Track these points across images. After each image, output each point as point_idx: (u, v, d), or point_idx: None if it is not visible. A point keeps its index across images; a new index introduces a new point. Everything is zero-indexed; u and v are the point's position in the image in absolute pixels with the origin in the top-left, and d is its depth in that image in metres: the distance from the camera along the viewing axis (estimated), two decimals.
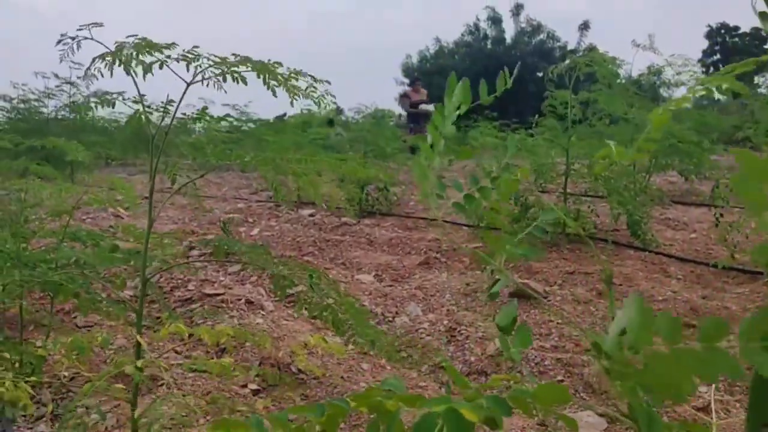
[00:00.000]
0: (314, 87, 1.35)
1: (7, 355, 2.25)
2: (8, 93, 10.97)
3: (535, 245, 0.71)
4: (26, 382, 1.83)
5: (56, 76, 9.78)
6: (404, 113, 15.15)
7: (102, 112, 13.20)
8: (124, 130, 14.00)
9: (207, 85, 1.41)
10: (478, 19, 32.87)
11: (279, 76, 1.29)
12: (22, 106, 11.16)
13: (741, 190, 0.35)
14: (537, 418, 2.23)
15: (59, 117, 11.93)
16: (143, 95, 1.40)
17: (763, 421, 0.43)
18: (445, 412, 0.49)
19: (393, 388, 0.66)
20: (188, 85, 1.35)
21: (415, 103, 13.28)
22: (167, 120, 1.43)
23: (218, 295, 3.47)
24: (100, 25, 1.36)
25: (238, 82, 1.29)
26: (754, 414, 0.43)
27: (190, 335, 2.93)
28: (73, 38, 1.36)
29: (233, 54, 1.39)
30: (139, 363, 1.34)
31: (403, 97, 13.53)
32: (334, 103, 1.44)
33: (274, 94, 1.28)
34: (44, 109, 11.14)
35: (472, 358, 2.79)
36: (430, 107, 12.63)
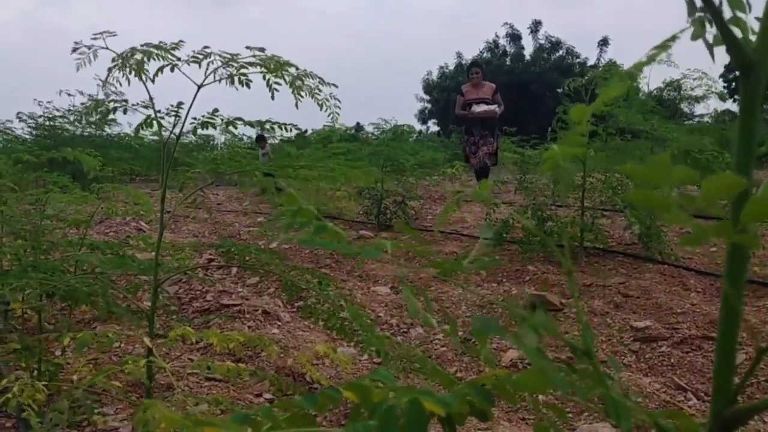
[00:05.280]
0: (319, 89, 1.37)
1: (23, 364, 2.29)
2: (34, 111, 11.21)
3: (491, 256, 0.73)
4: (43, 386, 1.86)
5: (81, 93, 9.96)
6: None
7: (128, 128, 13.44)
8: (149, 146, 14.26)
9: (225, 83, 1.43)
10: (497, 36, 33.02)
11: (288, 75, 1.31)
12: (48, 123, 11.40)
13: (642, 200, 0.37)
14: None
15: (85, 134, 12.18)
16: (152, 98, 1.43)
17: (725, 403, 0.43)
18: (409, 402, 0.50)
19: (383, 379, 0.67)
20: (199, 87, 1.38)
21: (470, 102, 8.92)
22: (180, 125, 1.46)
23: (235, 305, 3.50)
24: (114, 34, 1.39)
25: (242, 85, 1.32)
26: (717, 397, 0.44)
27: (207, 345, 2.97)
28: (89, 47, 1.40)
29: (248, 47, 1.40)
30: (142, 363, 1.37)
31: (459, 96, 9.22)
32: (338, 107, 1.46)
33: (273, 97, 1.30)
34: (69, 126, 11.36)
35: (487, 369, 2.77)
36: (488, 108, 8.70)
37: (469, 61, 9.50)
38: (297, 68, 1.34)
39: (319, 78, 1.37)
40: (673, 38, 0.47)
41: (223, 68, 1.35)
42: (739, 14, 0.47)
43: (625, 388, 2.52)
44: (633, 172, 0.37)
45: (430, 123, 34.70)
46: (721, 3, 0.50)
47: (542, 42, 32.11)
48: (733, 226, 0.36)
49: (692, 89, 8.61)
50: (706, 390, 2.53)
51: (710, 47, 0.58)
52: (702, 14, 0.58)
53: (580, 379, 0.56)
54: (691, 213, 0.38)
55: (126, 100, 1.48)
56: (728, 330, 0.44)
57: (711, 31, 0.55)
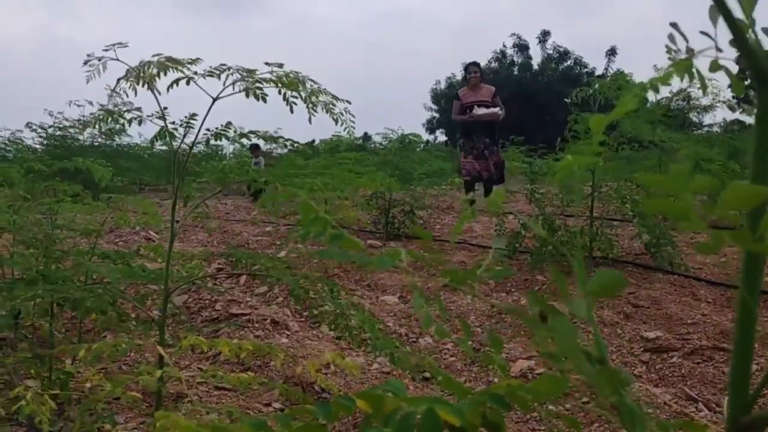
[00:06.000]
0: (333, 104, 1.38)
1: (34, 373, 2.30)
2: (45, 121, 11.29)
3: (504, 266, 0.73)
4: (54, 395, 1.87)
5: (90, 103, 10.05)
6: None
7: (137, 139, 13.53)
8: (158, 156, 14.35)
9: (238, 95, 1.44)
10: (504, 46, 33.11)
11: (304, 91, 1.32)
12: (58, 133, 11.47)
13: (661, 208, 0.37)
14: None
15: (95, 144, 12.27)
16: (165, 108, 1.45)
17: (741, 411, 0.43)
18: (425, 412, 0.51)
19: (394, 390, 0.67)
20: (214, 100, 1.39)
21: (468, 105, 8.17)
22: (192, 136, 1.48)
23: (244, 315, 3.51)
24: (125, 45, 1.41)
25: (258, 99, 1.33)
26: (733, 405, 0.44)
27: (215, 354, 2.97)
28: (99, 59, 1.42)
29: (266, 63, 1.42)
30: (157, 373, 1.37)
31: (456, 101, 8.49)
32: (353, 122, 1.47)
33: (291, 110, 1.31)
34: (80, 136, 11.43)
35: (496, 379, 2.77)
36: (490, 110, 7.95)
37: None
38: (314, 82, 1.35)
39: (332, 95, 1.38)
40: (689, 59, 0.48)
41: (240, 82, 1.36)
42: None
43: (636, 398, 2.50)
44: (652, 181, 0.37)
45: (438, 133, 34.81)
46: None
47: (550, 52, 32.18)
48: (750, 234, 0.36)
49: (698, 99, 8.61)
50: (717, 401, 2.52)
51: (702, 79, 0.58)
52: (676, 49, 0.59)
53: (596, 386, 0.56)
54: (707, 222, 0.38)
55: (140, 109, 1.49)
56: (744, 337, 0.45)
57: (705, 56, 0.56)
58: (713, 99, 8.01)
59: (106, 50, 1.42)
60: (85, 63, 1.43)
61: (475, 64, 8.55)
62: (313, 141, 14.80)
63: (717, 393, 2.59)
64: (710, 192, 0.37)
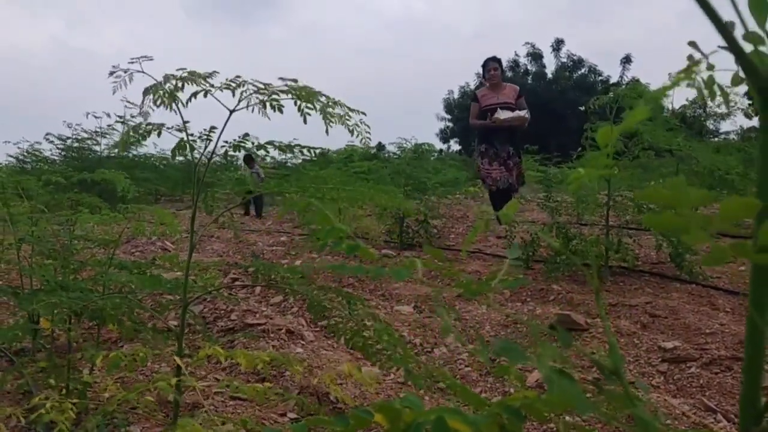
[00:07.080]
0: (349, 116, 1.39)
1: (53, 381, 2.32)
2: (63, 133, 11.45)
3: (518, 275, 0.74)
4: (73, 404, 1.89)
5: (108, 115, 10.18)
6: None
7: (153, 149, 13.67)
8: (174, 167, 14.48)
9: (253, 110, 1.46)
10: (517, 55, 33.12)
11: (318, 103, 1.33)
12: (76, 144, 11.62)
13: (660, 223, 0.38)
14: None
15: (112, 155, 12.41)
16: (186, 122, 1.46)
17: (752, 422, 0.44)
18: (434, 421, 0.51)
19: (411, 405, 0.68)
20: (231, 112, 1.41)
21: (489, 108, 6.77)
22: (210, 147, 1.49)
23: (260, 324, 3.52)
24: (150, 58, 1.43)
25: (274, 110, 1.34)
26: (744, 417, 0.44)
27: (231, 365, 2.99)
28: (125, 71, 1.44)
29: (281, 78, 1.44)
30: (173, 381, 1.38)
31: (473, 103, 7.07)
32: (368, 132, 1.47)
33: (305, 121, 1.33)
34: (97, 148, 11.58)
35: (511, 389, 2.76)
36: (516, 114, 6.64)
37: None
38: (327, 97, 1.37)
39: (348, 107, 1.39)
40: (697, 63, 0.48)
41: (256, 95, 1.37)
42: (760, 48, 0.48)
43: (654, 409, 2.48)
44: (650, 196, 0.38)
45: (452, 142, 34.85)
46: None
47: (564, 60, 32.12)
48: (754, 245, 0.37)
49: (718, 105, 8.55)
50: (736, 411, 2.49)
51: (712, 88, 0.59)
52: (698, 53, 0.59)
53: (609, 400, 0.56)
54: (713, 232, 0.38)
55: (162, 124, 1.51)
56: (754, 350, 0.45)
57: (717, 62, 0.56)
58: (732, 107, 7.96)
59: (132, 62, 1.44)
60: (111, 74, 1.45)
61: (495, 59, 7.12)
62: (327, 151, 14.84)
63: (736, 403, 2.56)
64: (709, 204, 0.38)
